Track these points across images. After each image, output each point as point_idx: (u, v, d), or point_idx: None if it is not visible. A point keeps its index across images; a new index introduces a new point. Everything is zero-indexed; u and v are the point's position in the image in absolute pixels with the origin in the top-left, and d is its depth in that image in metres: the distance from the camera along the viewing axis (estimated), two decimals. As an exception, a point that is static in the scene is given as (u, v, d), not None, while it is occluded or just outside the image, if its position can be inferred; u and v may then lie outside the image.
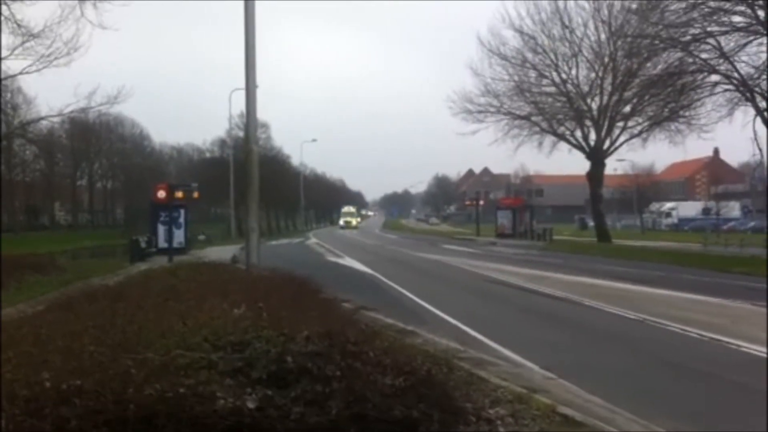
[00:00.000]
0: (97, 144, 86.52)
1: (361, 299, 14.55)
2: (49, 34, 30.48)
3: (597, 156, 53.79)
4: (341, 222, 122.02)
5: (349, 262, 33.79)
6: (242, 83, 16.60)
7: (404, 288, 20.90)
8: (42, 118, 47.02)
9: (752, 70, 35.47)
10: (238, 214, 59.02)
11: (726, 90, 37.50)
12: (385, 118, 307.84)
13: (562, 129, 56.08)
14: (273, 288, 10.44)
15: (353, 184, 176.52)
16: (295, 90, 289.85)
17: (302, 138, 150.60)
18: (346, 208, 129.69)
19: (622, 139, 54.19)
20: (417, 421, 5.86)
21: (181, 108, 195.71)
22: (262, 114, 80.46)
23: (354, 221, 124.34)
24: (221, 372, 6.16)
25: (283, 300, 9.28)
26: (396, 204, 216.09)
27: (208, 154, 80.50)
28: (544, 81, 54.55)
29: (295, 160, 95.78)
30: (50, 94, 45.27)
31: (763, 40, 33.63)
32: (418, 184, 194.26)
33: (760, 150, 37.76)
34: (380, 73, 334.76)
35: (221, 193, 62.84)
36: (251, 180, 15.66)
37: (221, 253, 30.88)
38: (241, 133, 59.09)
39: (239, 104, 66.37)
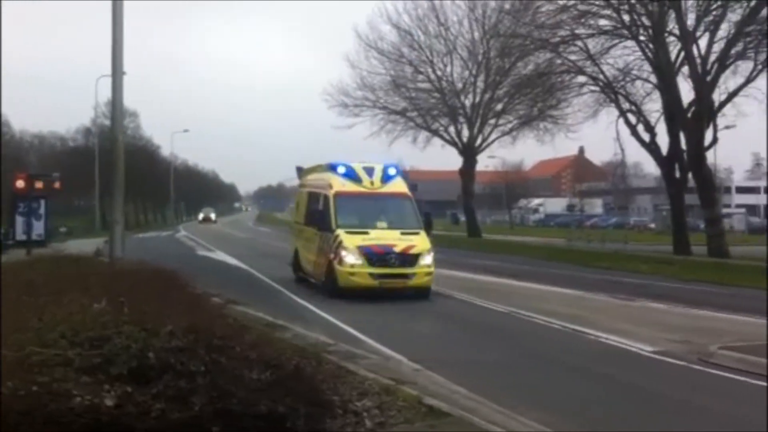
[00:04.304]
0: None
1: (233, 294, 14.33)
2: None
3: (469, 152, 55.05)
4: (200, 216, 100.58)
5: (220, 256, 33.18)
6: (109, 69, 16.01)
7: (277, 283, 20.65)
8: None
9: (617, 72, 37.18)
10: (102, 206, 57.00)
11: (592, 91, 39.16)
12: (260, 110, 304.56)
13: (436, 125, 57.06)
14: (138, 282, 10.09)
15: (227, 176, 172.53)
16: (166, 78, 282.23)
17: (174, 128, 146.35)
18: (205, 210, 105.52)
19: (493, 136, 55.76)
20: (283, 416, 5.83)
21: (43, 94, 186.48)
22: (130, 102, 77.73)
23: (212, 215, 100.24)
24: (78, 369, 5.97)
25: (148, 294, 8.99)
26: (271, 197, 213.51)
27: (71, 143, 77.16)
28: (420, 77, 55.34)
29: (166, 151, 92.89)
30: None
31: (628, 43, 35.35)
32: (294, 177, 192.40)
33: (622, 150, 39.77)
34: (256, 64, 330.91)
35: (86, 184, 60.49)
36: (116, 170, 15.15)
37: (84, 245, 29.64)
38: (107, 122, 57.02)
39: (106, 91, 64.07)
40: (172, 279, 11.52)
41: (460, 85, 54.71)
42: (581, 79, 38.93)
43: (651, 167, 65.76)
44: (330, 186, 18.53)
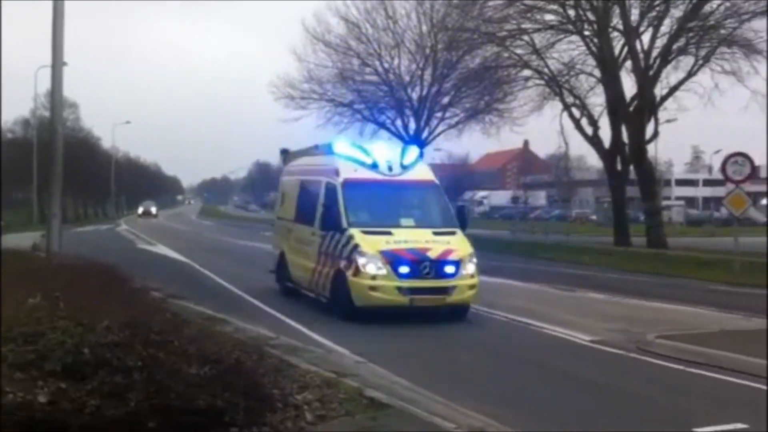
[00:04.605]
0: None
1: (174, 288, 14.11)
2: None
3: (416, 145, 55.20)
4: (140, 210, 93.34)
5: (161, 249, 32.72)
6: (49, 60, 15.72)
7: (219, 276, 20.44)
8: None
9: (561, 67, 37.65)
10: (40, 199, 55.89)
11: (537, 85, 39.55)
12: (205, 102, 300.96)
13: (383, 117, 57.00)
14: (75, 277, 9.89)
15: (169, 168, 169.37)
16: (108, 69, 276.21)
17: (115, 120, 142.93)
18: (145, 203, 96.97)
19: (440, 129, 55.96)
20: (222, 410, 5.80)
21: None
22: (70, 94, 75.74)
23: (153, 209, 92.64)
24: (11, 365, 5.86)
25: (86, 289, 8.84)
26: (214, 190, 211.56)
27: (9, 135, 75.32)
28: (367, 69, 55.20)
29: (107, 143, 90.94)
30: None
31: (573, 38, 35.85)
32: (238, 170, 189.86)
33: (566, 143, 40.29)
34: (201, 55, 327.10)
35: (23, 177, 59.26)
36: (55, 163, 14.85)
37: (21, 240, 29.01)
38: (47, 113, 55.79)
39: (46, 82, 62.63)
40: (111, 273, 11.35)
41: (407, 78, 54.75)
42: (527, 72, 39.31)
43: (594, 160, 66.66)
44: (336, 172, 14.39)
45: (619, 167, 36.74)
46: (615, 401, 8.54)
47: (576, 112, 37.73)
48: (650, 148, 37.91)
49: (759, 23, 31.01)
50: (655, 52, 34.05)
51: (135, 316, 7.26)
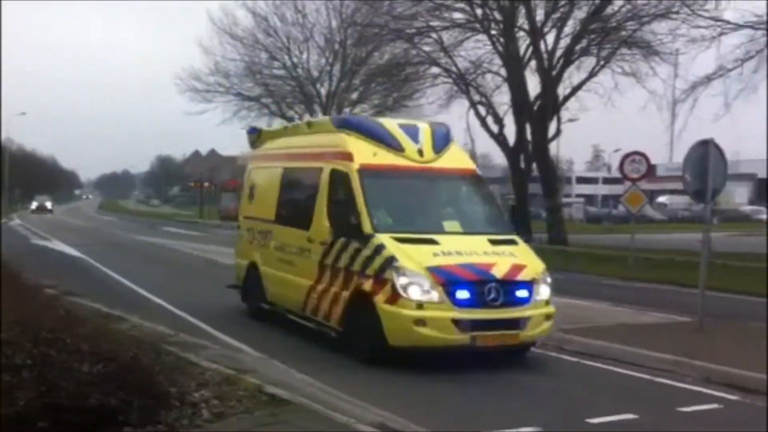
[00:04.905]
0: None
1: (69, 285, 13.66)
2: None
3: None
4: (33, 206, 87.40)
5: (57, 245, 31.56)
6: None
7: (117, 273, 19.86)
8: None
9: (469, 65, 38.15)
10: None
11: (445, 82, 39.92)
12: (105, 94, 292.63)
13: (291, 112, 56.72)
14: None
15: (67, 162, 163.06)
16: (3, 59, 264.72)
17: (9, 111, 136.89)
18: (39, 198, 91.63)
19: (348, 125, 55.97)
20: (116, 409, 5.70)
21: None
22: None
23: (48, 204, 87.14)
24: None
25: (-26, 285, 8.48)
26: (115, 185, 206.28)
27: None
28: (276, 63, 54.82)
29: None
30: None
31: (480, 36, 36.38)
32: (140, 164, 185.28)
33: (472, 140, 40.88)
34: (101, 46, 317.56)
35: None
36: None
37: None
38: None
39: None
40: (1, 270, 10.93)
41: (316, 73, 54.65)
42: (435, 70, 39.66)
43: (499, 158, 68.09)
44: (347, 156, 10.69)
45: (522, 165, 37.53)
46: (510, 393, 8.73)
47: (482, 110, 38.32)
48: (553, 147, 38.91)
49: (658, 26, 32.23)
50: (558, 53, 34.92)
51: (25, 313, 7.03)
